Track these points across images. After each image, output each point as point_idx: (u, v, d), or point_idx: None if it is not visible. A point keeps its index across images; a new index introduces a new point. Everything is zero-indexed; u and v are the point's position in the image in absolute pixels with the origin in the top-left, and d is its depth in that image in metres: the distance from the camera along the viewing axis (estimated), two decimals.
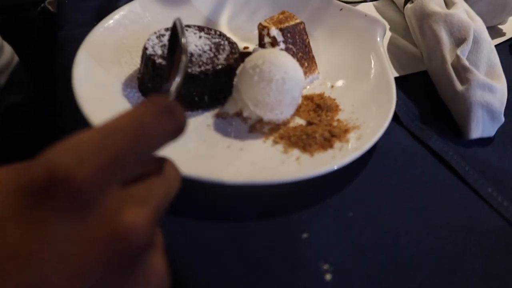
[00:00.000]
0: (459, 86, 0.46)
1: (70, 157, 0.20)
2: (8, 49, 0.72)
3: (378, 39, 0.52)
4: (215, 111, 0.45)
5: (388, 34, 0.58)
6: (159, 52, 0.44)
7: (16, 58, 0.73)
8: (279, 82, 0.41)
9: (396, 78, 0.49)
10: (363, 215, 0.38)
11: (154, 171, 0.24)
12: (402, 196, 0.40)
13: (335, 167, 0.38)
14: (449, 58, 0.48)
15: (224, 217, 0.38)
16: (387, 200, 0.40)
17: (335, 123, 0.44)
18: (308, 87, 0.49)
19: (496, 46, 0.51)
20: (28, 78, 0.75)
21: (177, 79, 0.28)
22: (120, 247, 0.20)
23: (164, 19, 0.53)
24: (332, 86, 0.49)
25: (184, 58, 0.29)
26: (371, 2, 0.66)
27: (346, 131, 0.42)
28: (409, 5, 0.57)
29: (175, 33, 0.31)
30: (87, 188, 0.20)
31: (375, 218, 0.38)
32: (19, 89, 0.73)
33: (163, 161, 0.25)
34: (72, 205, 0.20)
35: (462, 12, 0.50)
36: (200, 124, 0.44)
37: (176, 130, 0.24)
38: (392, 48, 0.56)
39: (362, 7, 0.64)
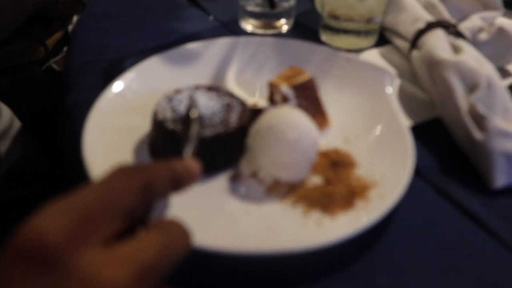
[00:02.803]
0: (477, 135, 0.45)
1: (43, 218, 0.21)
2: (6, 113, 0.69)
3: (388, 89, 0.52)
4: (229, 173, 0.44)
5: (396, 80, 0.58)
6: (170, 116, 0.44)
7: (17, 122, 0.72)
8: (295, 142, 0.41)
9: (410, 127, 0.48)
10: (394, 279, 0.36)
11: (150, 231, 0.25)
12: (432, 256, 0.38)
13: (361, 230, 0.36)
14: (463, 106, 0.47)
15: None
16: (417, 262, 0.38)
17: (353, 180, 0.42)
18: (321, 142, 0.48)
19: None
20: (31, 142, 0.74)
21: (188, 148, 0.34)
22: None
23: (172, 80, 0.53)
24: (345, 140, 0.48)
25: (194, 128, 0.37)
26: (375, 49, 0.66)
27: (366, 188, 0.41)
28: (415, 53, 0.56)
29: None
30: (59, 248, 0.20)
31: (407, 282, 0.36)
32: (21, 155, 0.72)
33: (164, 221, 0.26)
34: (42, 266, 0.20)
35: (471, 58, 0.50)
36: (215, 188, 0.42)
37: (146, 189, 0.25)
38: (402, 95, 0.56)
39: (367, 54, 0.64)
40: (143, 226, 0.26)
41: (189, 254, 0.26)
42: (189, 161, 0.30)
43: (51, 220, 0.21)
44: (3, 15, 0.80)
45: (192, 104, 0.39)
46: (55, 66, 0.88)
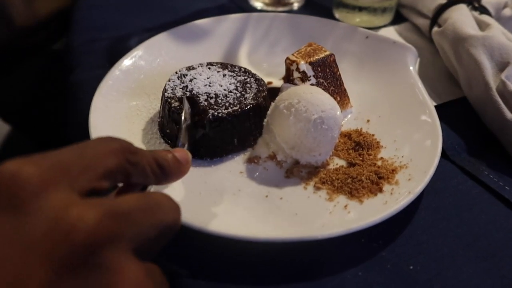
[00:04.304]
0: (508, 114, 0.42)
1: (18, 162, 0.21)
2: None
3: (411, 67, 0.49)
4: (246, 154, 0.42)
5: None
6: (179, 93, 0.41)
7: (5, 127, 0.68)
8: (317, 121, 0.38)
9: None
10: (425, 267, 0.34)
11: (135, 193, 0.25)
12: (464, 243, 0.36)
13: (391, 215, 0.34)
14: (493, 84, 0.44)
15: (263, 278, 0.33)
16: (448, 248, 0.35)
17: (379, 163, 0.40)
18: (343, 123, 0.45)
19: None
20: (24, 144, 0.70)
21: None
22: (64, 243, 0.19)
23: (181, 57, 0.50)
24: (368, 121, 0.45)
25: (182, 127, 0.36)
26: (392, 27, 0.63)
27: (394, 171, 0.39)
28: (437, 29, 0.53)
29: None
30: (28, 187, 0.20)
31: (438, 270, 0.34)
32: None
33: (153, 192, 0.27)
34: (10, 203, 0.20)
35: (500, 34, 0.47)
36: (232, 171, 0.40)
37: (126, 155, 0.25)
38: (423, 75, 0.53)
39: (383, 32, 0.61)
40: None
41: (182, 230, 0.26)
42: (178, 150, 0.31)
43: (25, 164, 0.21)
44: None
45: (183, 107, 0.38)
46: (59, 49, 0.83)
